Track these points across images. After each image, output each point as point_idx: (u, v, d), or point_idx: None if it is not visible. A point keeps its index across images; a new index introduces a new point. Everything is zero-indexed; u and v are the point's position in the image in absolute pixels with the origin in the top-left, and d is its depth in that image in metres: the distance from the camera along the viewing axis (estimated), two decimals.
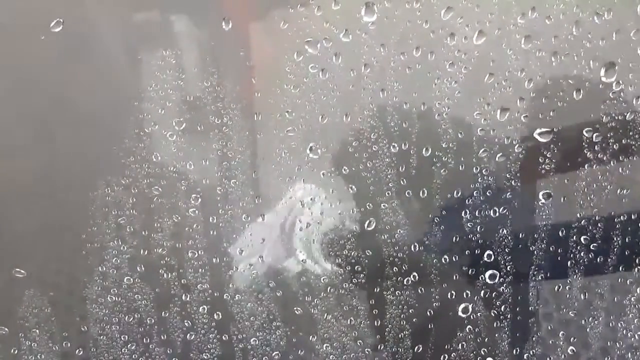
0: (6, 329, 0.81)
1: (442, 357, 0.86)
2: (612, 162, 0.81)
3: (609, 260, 0.84)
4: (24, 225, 0.80)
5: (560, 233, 0.83)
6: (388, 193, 0.81)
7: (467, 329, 0.86)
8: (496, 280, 0.85)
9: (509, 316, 0.86)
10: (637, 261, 0.85)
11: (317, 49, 0.76)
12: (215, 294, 0.82)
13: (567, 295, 0.86)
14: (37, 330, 0.81)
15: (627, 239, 0.84)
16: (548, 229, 0.83)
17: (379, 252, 0.83)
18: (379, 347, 0.85)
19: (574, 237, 0.83)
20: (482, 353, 0.87)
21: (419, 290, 0.84)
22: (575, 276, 0.85)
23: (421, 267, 0.83)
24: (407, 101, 0.79)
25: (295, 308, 0.84)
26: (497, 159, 0.81)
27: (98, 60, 0.77)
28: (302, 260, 0.83)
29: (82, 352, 0.82)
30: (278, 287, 0.83)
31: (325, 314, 0.84)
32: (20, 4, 0.75)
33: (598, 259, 0.84)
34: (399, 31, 0.76)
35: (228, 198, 0.80)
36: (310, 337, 0.85)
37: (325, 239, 0.82)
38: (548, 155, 0.80)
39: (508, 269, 0.84)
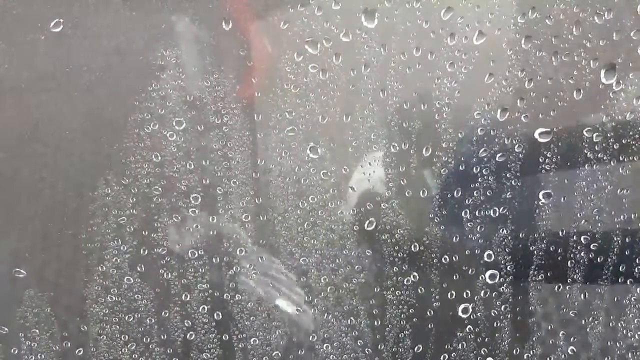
0: (6, 329, 0.81)
1: (442, 357, 0.86)
2: (612, 162, 0.81)
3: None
4: (24, 225, 0.80)
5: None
6: (388, 193, 0.81)
7: (467, 328, 0.86)
8: (496, 280, 0.85)
9: (509, 316, 0.86)
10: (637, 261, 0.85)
11: (317, 48, 0.76)
12: (216, 294, 0.82)
13: (567, 295, 0.86)
14: (37, 330, 0.81)
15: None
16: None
17: (379, 252, 0.83)
18: (379, 347, 0.85)
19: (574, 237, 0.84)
20: (482, 353, 0.87)
21: (419, 290, 0.84)
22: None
23: (421, 267, 0.84)
24: (407, 101, 0.79)
25: (295, 308, 0.84)
26: (497, 158, 0.81)
27: (98, 60, 0.76)
28: None
29: (82, 352, 0.82)
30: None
31: (325, 314, 0.84)
32: (20, 4, 0.75)
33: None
34: (399, 31, 0.76)
35: (228, 198, 0.80)
36: (310, 337, 0.85)
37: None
38: (548, 155, 0.81)
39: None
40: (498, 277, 0.85)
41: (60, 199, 0.79)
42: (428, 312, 0.84)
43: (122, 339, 0.82)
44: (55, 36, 0.74)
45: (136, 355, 0.83)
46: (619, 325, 0.88)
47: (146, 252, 0.80)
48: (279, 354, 0.85)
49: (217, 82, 0.77)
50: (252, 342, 0.84)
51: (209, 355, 0.84)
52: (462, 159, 0.81)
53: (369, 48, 0.76)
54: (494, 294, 0.85)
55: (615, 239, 0.84)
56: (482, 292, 0.85)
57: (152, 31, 0.76)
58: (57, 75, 0.77)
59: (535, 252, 0.84)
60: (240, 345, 0.84)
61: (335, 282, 0.83)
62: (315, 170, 0.80)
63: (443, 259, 0.83)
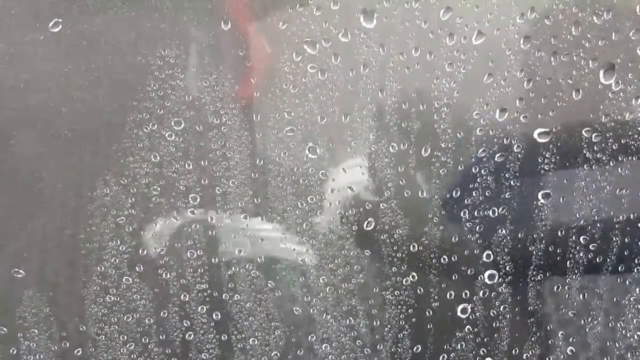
0: (5, 329, 0.81)
1: (441, 357, 0.86)
2: (611, 162, 0.81)
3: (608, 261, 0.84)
4: (23, 225, 0.80)
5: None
6: (387, 193, 0.81)
7: (466, 329, 0.86)
8: (495, 280, 0.85)
9: (508, 316, 0.86)
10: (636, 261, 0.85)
11: (316, 49, 0.76)
12: (214, 294, 0.82)
13: (566, 296, 0.86)
14: (36, 330, 0.81)
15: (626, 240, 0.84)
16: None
17: (378, 252, 0.83)
18: (377, 347, 0.85)
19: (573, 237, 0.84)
20: (481, 353, 0.87)
21: (418, 290, 0.84)
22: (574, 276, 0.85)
23: (420, 267, 0.83)
24: (406, 101, 0.79)
25: (294, 308, 0.84)
26: (496, 159, 0.81)
27: (97, 60, 0.77)
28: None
29: (80, 352, 0.82)
30: (277, 287, 0.83)
31: (324, 314, 0.84)
32: (19, 4, 0.75)
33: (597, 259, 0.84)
34: (398, 31, 0.76)
35: (227, 198, 0.80)
36: (310, 337, 0.85)
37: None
38: (547, 155, 0.80)
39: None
40: (497, 277, 0.84)
41: (59, 199, 0.80)
42: (427, 313, 0.84)
43: (121, 339, 0.82)
44: (55, 36, 0.74)
45: (135, 356, 0.83)
46: (618, 325, 0.87)
47: (145, 252, 0.81)
48: (278, 354, 0.85)
49: (216, 82, 0.77)
50: (251, 343, 0.84)
51: (207, 356, 0.84)
52: (461, 159, 0.81)
53: (367, 48, 0.76)
54: (493, 294, 0.85)
55: (614, 239, 0.84)
56: (481, 292, 0.85)
57: (152, 31, 0.77)
58: (56, 75, 0.77)
59: (534, 252, 0.84)
60: (239, 346, 0.84)
61: (334, 283, 0.83)
62: (314, 170, 0.80)
63: (442, 259, 0.83)
